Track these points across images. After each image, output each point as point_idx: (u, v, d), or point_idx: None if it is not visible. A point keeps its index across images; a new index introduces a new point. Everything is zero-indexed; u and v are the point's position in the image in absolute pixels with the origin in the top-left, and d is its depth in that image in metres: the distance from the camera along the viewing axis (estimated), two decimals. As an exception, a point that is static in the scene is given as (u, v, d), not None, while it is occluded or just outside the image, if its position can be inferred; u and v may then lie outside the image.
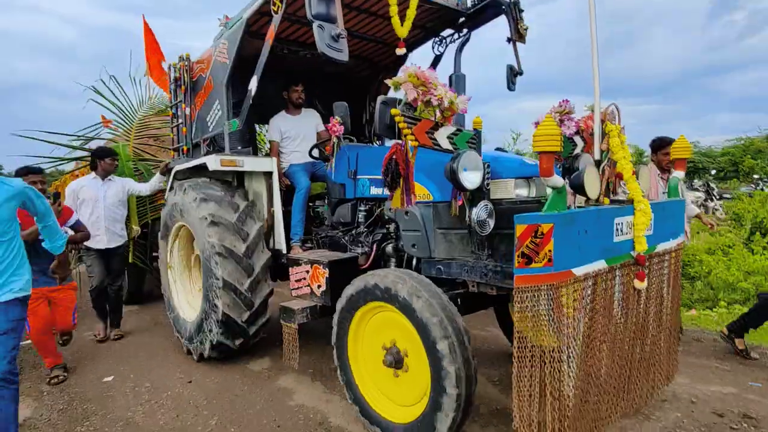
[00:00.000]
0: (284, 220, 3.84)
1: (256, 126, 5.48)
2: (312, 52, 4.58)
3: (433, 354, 2.23)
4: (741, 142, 18.24)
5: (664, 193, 4.02)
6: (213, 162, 3.62)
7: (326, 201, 3.97)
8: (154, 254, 5.77)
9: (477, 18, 3.90)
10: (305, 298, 3.31)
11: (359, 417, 2.73)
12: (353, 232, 3.54)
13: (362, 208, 3.50)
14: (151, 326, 5.11)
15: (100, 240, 4.41)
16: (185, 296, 4.32)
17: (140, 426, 2.97)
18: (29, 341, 3.75)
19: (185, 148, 4.50)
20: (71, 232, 3.78)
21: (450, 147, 2.48)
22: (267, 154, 4.40)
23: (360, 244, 3.42)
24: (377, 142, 5.15)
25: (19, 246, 2.54)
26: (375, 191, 3.36)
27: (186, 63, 4.40)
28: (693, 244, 7.26)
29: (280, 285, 4.32)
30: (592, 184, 2.27)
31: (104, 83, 6.52)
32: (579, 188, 2.24)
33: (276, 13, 3.21)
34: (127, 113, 6.58)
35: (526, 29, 3.76)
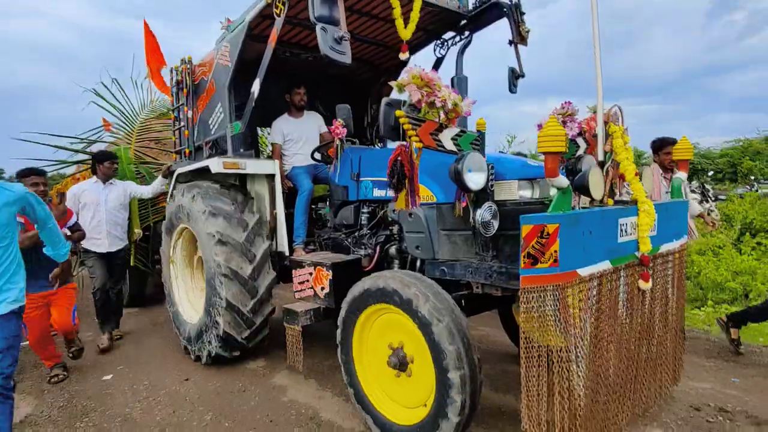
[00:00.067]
0: (287, 222, 3.85)
1: (258, 129, 5.50)
2: (314, 55, 4.60)
3: (438, 360, 2.22)
4: (740, 143, 18.28)
5: (667, 192, 4.03)
6: (215, 164, 3.62)
7: (328, 203, 3.98)
8: (156, 257, 5.77)
9: (478, 20, 3.91)
10: (308, 301, 3.30)
11: (361, 413, 2.74)
12: (356, 234, 3.54)
13: (365, 210, 3.51)
14: (150, 327, 5.17)
15: (101, 244, 4.40)
16: (186, 293, 4.33)
17: (138, 422, 3.03)
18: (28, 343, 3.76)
19: (187, 150, 4.50)
20: (68, 233, 3.80)
21: (454, 148, 2.49)
22: (269, 157, 4.41)
23: (363, 246, 3.42)
24: (379, 144, 5.17)
25: (16, 253, 2.47)
26: (378, 193, 3.37)
27: (188, 66, 4.41)
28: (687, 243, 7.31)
29: (282, 287, 4.33)
30: (597, 185, 2.28)
31: (105, 86, 6.54)
32: (583, 189, 2.25)
33: (278, 16, 3.23)
34: (129, 116, 6.59)
35: (527, 32, 3.77)
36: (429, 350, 2.27)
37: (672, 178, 3.03)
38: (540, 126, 2.52)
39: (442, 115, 2.42)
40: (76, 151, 6.42)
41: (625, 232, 2.29)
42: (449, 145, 2.47)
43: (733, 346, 3.85)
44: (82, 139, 6.52)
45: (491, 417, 2.93)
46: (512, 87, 3.93)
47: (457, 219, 2.65)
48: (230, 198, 3.74)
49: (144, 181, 5.52)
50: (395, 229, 3.23)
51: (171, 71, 4.63)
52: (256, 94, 3.51)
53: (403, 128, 2.29)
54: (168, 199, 4.48)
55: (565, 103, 3.06)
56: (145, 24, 7.15)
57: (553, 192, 2.58)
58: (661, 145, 4.17)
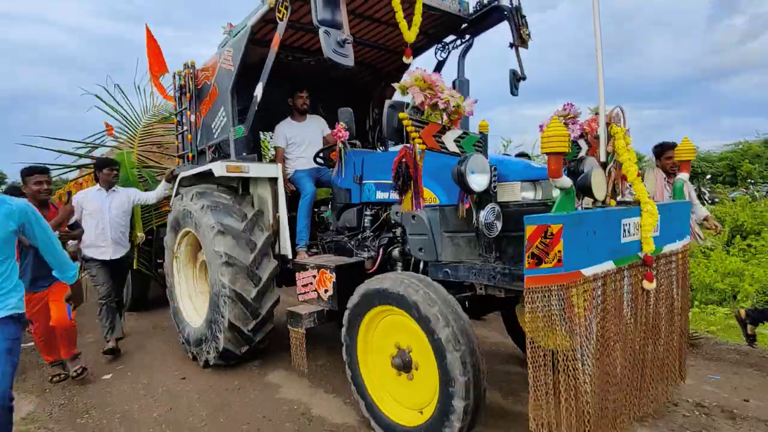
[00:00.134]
0: (290, 225, 3.86)
1: (260, 133, 5.51)
2: (316, 59, 4.63)
3: (443, 364, 2.22)
4: (739, 147, 18.30)
5: (670, 197, 4.04)
6: (219, 168, 3.64)
7: (331, 206, 3.99)
8: (159, 261, 5.78)
9: (479, 24, 3.93)
10: (312, 303, 3.31)
11: (364, 412, 2.75)
12: (359, 236, 3.55)
13: (368, 212, 3.51)
14: (150, 330, 5.24)
15: (105, 251, 4.36)
16: (187, 289, 4.35)
17: (136, 418, 3.12)
18: (31, 344, 3.84)
19: (190, 154, 4.52)
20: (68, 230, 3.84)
21: (457, 150, 2.50)
22: (272, 160, 4.42)
23: (366, 249, 3.43)
24: (380, 147, 5.19)
25: (14, 266, 2.40)
26: (381, 195, 3.38)
27: (191, 71, 4.43)
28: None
29: (284, 290, 4.34)
30: (599, 186, 2.29)
31: (107, 91, 6.57)
32: (586, 190, 2.26)
33: (281, 20, 3.25)
34: (131, 120, 6.62)
35: (528, 34, 3.79)
36: (433, 354, 2.27)
37: (674, 180, 3.04)
38: (542, 127, 2.54)
39: (445, 117, 2.44)
40: (79, 156, 6.45)
41: (628, 232, 2.30)
42: (452, 147, 2.49)
43: (749, 342, 3.86)
44: (86, 143, 6.54)
45: (491, 417, 2.92)
46: (513, 89, 3.95)
47: (460, 221, 2.66)
48: (239, 213, 3.69)
49: (146, 185, 5.54)
50: (398, 231, 3.24)
51: (174, 76, 4.66)
52: (259, 98, 3.53)
53: (406, 130, 2.30)
54: (172, 202, 4.48)
55: (567, 104, 3.08)
56: (147, 30, 7.18)
57: (555, 193, 2.59)
58: (662, 150, 4.17)
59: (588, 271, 2.04)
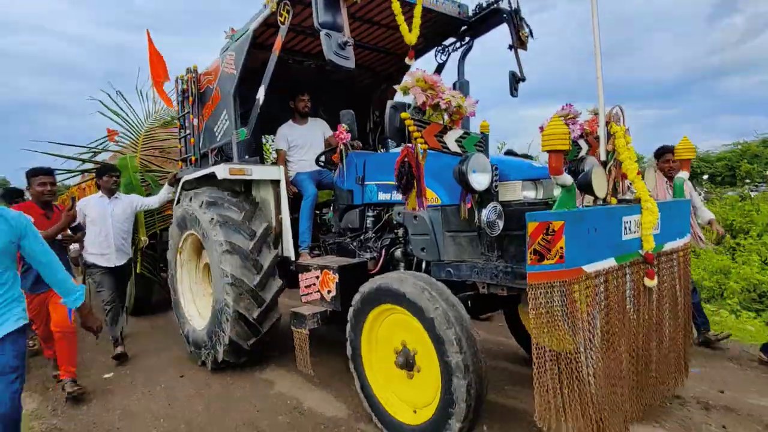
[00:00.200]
0: (292, 228, 3.88)
1: (262, 136, 5.55)
2: (317, 62, 4.67)
3: (445, 365, 2.23)
4: (738, 146, 18.29)
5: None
6: (222, 171, 3.66)
7: (333, 208, 4.01)
8: (161, 264, 5.80)
9: (479, 26, 3.97)
10: (315, 304, 3.33)
11: (366, 409, 2.77)
12: (361, 237, 3.57)
13: (370, 213, 3.54)
14: (150, 330, 5.37)
15: (109, 258, 4.36)
16: (189, 285, 4.38)
17: (135, 413, 3.24)
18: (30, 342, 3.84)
19: (193, 158, 4.55)
20: (70, 234, 3.83)
21: (458, 150, 2.52)
22: (274, 163, 4.45)
23: (368, 249, 3.45)
24: (381, 149, 5.22)
25: (15, 277, 2.31)
26: (383, 196, 3.40)
27: (193, 75, 4.47)
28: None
29: (287, 293, 4.35)
30: (600, 184, 2.31)
31: (110, 97, 6.63)
32: (587, 187, 2.28)
33: (283, 24, 3.28)
34: (134, 125, 6.66)
35: (527, 36, 3.83)
36: (435, 354, 2.29)
37: (674, 178, 3.06)
38: (542, 128, 2.56)
39: (446, 118, 2.46)
40: (83, 161, 6.49)
41: (629, 230, 2.32)
42: (454, 147, 2.51)
43: None
44: (90, 148, 6.58)
45: (492, 417, 2.93)
46: (513, 91, 3.98)
47: (461, 220, 2.68)
48: (248, 231, 3.65)
49: (149, 189, 5.57)
50: (400, 231, 3.26)
51: (176, 80, 4.70)
52: (261, 101, 3.56)
53: (408, 130, 2.33)
54: (174, 206, 4.50)
55: (567, 105, 3.11)
56: (149, 37, 7.23)
57: (556, 192, 2.61)
58: (661, 153, 4.19)
59: (590, 268, 2.06)
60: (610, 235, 2.22)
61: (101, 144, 6.78)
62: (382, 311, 2.61)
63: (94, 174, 5.42)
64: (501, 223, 2.50)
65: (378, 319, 2.66)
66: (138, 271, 5.36)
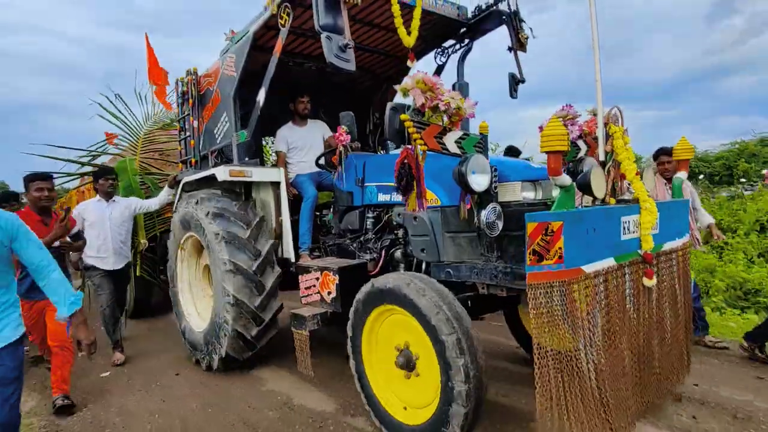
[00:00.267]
0: (292, 229, 3.89)
1: (262, 139, 5.56)
2: (317, 65, 4.69)
3: (445, 366, 2.24)
4: (735, 146, 18.33)
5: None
6: (222, 173, 3.67)
7: (333, 209, 4.02)
8: (161, 267, 5.80)
9: (478, 28, 3.99)
10: (315, 305, 3.33)
11: (366, 409, 2.78)
12: (361, 238, 3.58)
13: (370, 215, 3.55)
14: (147, 332, 5.44)
15: (107, 261, 4.36)
16: (189, 281, 4.40)
17: (131, 411, 3.32)
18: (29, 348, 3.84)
19: (193, 160, 4.56)
20: (69, 241, 3.71)
21: (458, 151, 2.53)
22: (273, 165, 4.46)
23: (368, 251, 3.46)
24: (381, 150, 5.23)
25: (12, 282, 2.22)
26: (383, 198, 3.41)
27: (193, 77, 4.48)
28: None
29: (287, 294, 4.36)
30: (599, 184, 2.32)
31: (109, 100, 6.63)
32: (586, 188, 2.29)
33: (283, 26, 3.30)
34: (133, 128, 6.67)
35: (526, 38, 3.85)
36: (435, 355, 2.29)
37: (673, 178, 3.08)
38: (541, 128, 2.58)
39: (446, 119, 2.48)
40: (82, 164, 6.50)
41: (628, 230, 2.33)
42: (453, 148, 2.52)
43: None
44: (90, 151, 6.59)
45: (492, 417, 2.94)
46: (513, 92, 4.00)
47: (461, 221, 2.69)
48: (253, 249, 3.62)
49: (149, 192, 5.58)
50: (400, 232, 3.27)
51: (176, 82, 4.71)
52: (261, 104, 3.57)
53: (408, 132, 2.34)
54: (175, 207, 4.50)
55: (566, 106, 3.12)
56: (147, 40, 7.24)
57: (555, 193, 2.63)
58: (658, 155, 4.20)
59: (589, 268, 2.07)
60: (608, 236, 2.23)
61: (101, 147, 6.79)
62: (382, 312, 2.62)
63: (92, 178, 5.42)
64: (500, 224, 2.51)
65: (378, 320, 2.67)
66: (138, 273, 5.36)
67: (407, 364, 2.51)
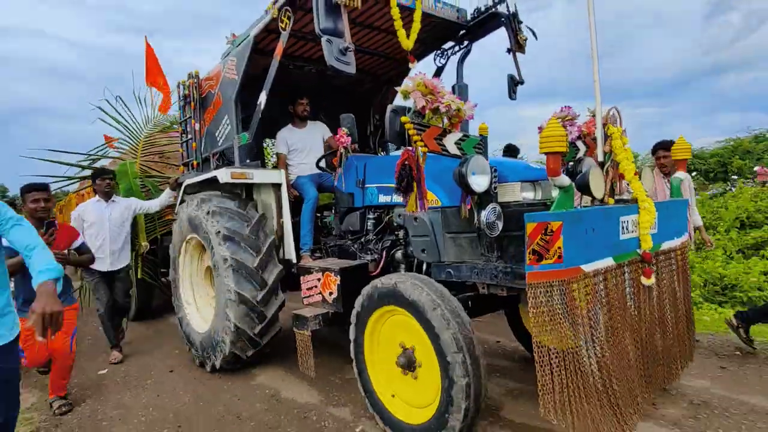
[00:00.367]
0: (293, 231, 3.91)
1: (263, 141, 5.58)
2: (317, 67, 4.72)
3: (444, 366, 2.26)
4: (730, 143, 18.37)
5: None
6: (224, 175, 3.70)
7: (334, 211, 4.04)
8: (162, 270, 5.82)
9: (477, 30, 4.02)
10: (317, 306, 3.36)
11: (368, 408, 2.79)
12: (362, 239, 3.60)
13: (371, 216, 3.57)
14: (144, 332, 5.48)
15: (103, 262, 4.36)
16: (189, 275, 4.43)
17: (127, 405, 3.46)
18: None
19: (195, 162, 4.59)
20: (76, 255, 3.69)
21: (458, 152, 2.56)
22: (274, 167, 4.48)
23: (369, 252, 3.48)
24: (381, 152, 5.26)
25: (5, 282, 2.14)
26: (383, 199, 3.44)
27: (195, 80, 4.51)
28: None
29: (289, 295, 4.38)
30: (598, 184, 2.34)
31: (109, 103, 6.65)
32: (585, 188, 2.31)
33: (284, 30, 3.33)
34: (133, 131, 6.69)
35: (525, 40, 3.88)
36: (435, 355, 2.31)
37: (671, 178, 3.10)
38: (541, 128, 2.61)
39: (446, 121, 2.50)
40: (82, 167, 6.51)
41: (627, 229, 2.36)
42: (453, 150, 2.55)
43: (748, 344, 3.78)
44: (89, 155, 6.61)
45: (492, 417, 2.96)
46: (512, 94, 4.03)
47: (461, 222, 2.72)
48: (254, 249, 3.61)
49: (149, 195, 5.60)
50: (401, 233, 3.29)
51: (178, 85, 4.74)
52: (262, 106, 3.60)
53: (408, 133, 2.37)
54: (177, 209, 4.52)
55: (565, 107, 3.15)
56: (147, 43, 7.26)
57: (555, 193, 2.65)
58: (656, 149, 4.22)
59: (588, 267, 2.09)
60: (607, 235, 2.25)
61: (101, 150, 6.81)
62: (383, 313, 2.64)
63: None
64: (500, 224, 2.53)
65: (380, 321, 2.69)
66: (139, 276, 5.38)
67: (408, 363, 2.53)
